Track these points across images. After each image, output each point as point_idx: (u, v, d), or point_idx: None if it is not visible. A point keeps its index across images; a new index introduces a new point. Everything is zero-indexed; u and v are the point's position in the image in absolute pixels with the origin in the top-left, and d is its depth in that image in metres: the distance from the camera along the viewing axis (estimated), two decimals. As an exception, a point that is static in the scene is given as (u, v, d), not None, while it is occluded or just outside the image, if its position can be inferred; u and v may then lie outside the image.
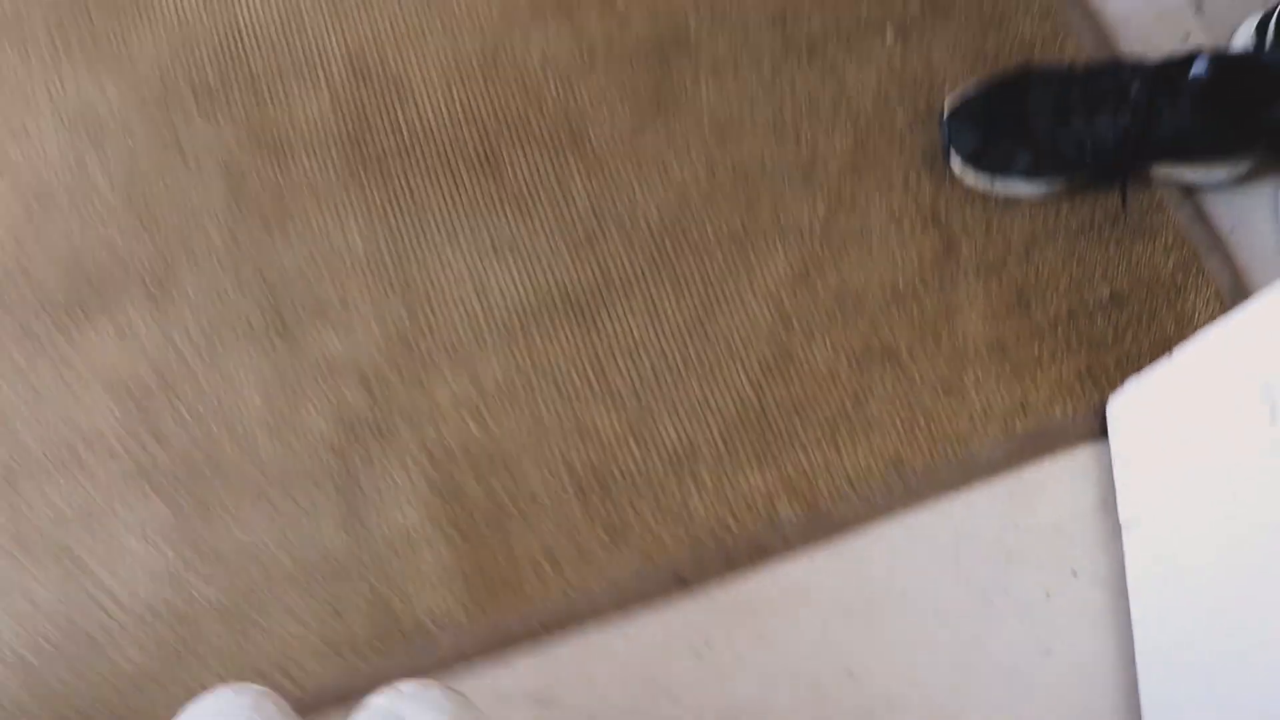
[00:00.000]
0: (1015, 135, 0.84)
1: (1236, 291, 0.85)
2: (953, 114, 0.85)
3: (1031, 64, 0.87)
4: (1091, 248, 0.86)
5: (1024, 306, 0.84)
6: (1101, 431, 0.80)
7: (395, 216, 0.83)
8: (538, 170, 0.85)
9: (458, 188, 0.84)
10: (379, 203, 0.83)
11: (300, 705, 0.62)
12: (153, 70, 0.87)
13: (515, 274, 0.82)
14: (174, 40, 0.88)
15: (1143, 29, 0.96)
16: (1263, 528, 0.59)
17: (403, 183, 0.84)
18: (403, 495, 0.75)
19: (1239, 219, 0.88)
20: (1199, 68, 0.80)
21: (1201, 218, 0.88)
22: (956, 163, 0.86)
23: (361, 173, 0.83)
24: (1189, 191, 0.88)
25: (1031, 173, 0.85)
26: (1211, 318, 0.84)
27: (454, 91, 0.87)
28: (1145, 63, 0.84)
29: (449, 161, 0.85)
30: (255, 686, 0.48)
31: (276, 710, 0.48)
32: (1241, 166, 0.86)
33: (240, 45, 0.88)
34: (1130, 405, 0.78)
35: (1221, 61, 0.81)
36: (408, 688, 0.47)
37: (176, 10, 0.89)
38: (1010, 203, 0.86)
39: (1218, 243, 0.87)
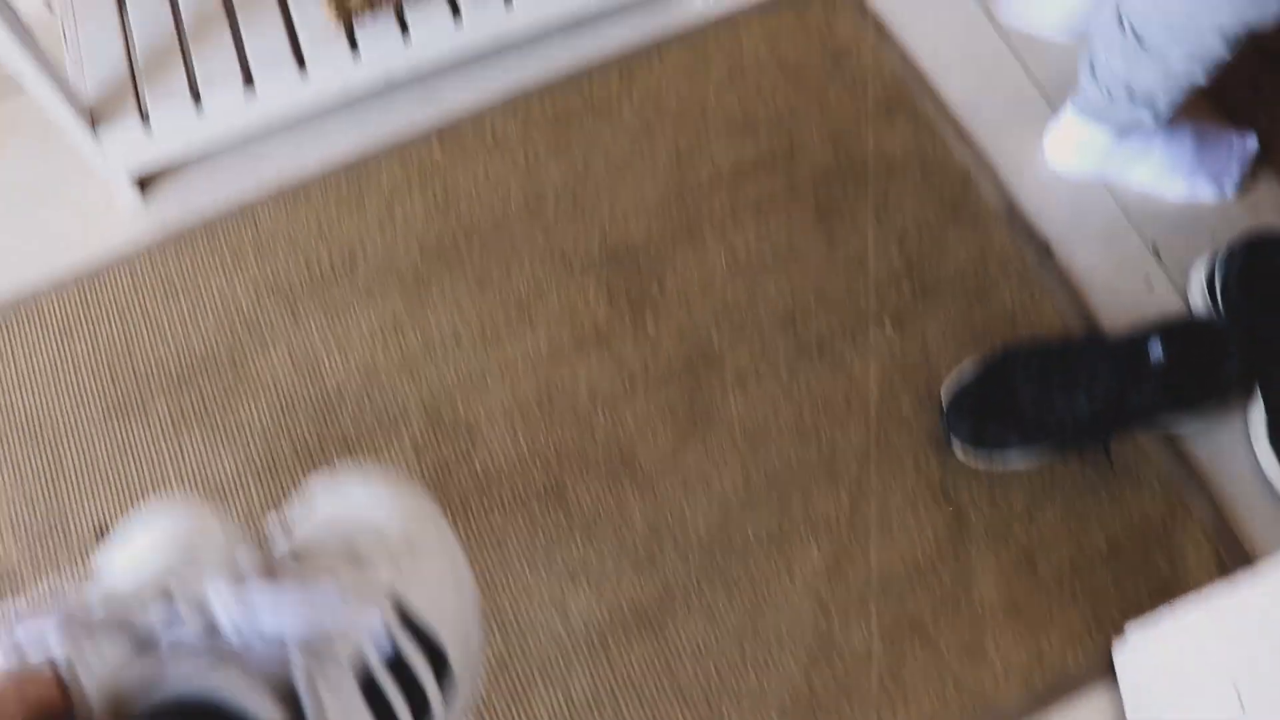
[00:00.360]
0: (1005, 419, 1.02)
1: (1221, 526, 1.02)
2: (949, 406, 1.03)
3: (1012, 346, 1.05)
4: (1086, 502, 1.04)
5: (1031, 566, 1.02)
6: (1110, 671, 0.97)
7: (481, 550, 1.01)
8: (598, 497, 1.03)
9: (532, 520, 1.03)
10: (465, 538, 1.01)
11: None
12: (258, 434, 1.06)
13: (590, 595, 0.99)
14: (274, 406, 1.09)
15: (1107, 277, 1.14)
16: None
17: (484, 520, 1.03)
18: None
19: (1216, 452, 1.05)
20: (1155, 352, 0.97)
21: (1182, 458, 1.04)
22: (958, 447, 1.04)
23: (448, 512, 1.01)
24: (1169, 436, 1.05)
25: (1024, 446, 1.02)
26: (1200, 554, 1.00)
27: (518, 431, 1.06)
28: (1109, 342, 1.01)
29: (521, 496, 1.04)
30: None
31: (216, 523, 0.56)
32: (1209, 413, 1.03)
33: (331, 405, 1.08)
34: (1133, 649, 0.94)
35: (1175, 339, 0.97)
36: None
37: (274, 379, 1.09)
38: (1010, 472, 1.04)
39: (1200, 480, 1.04)
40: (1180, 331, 0.99)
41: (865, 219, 1.12)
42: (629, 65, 1.19)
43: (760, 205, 1.13)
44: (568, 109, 1.18)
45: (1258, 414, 1.01)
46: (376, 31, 1.10)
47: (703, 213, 1.12)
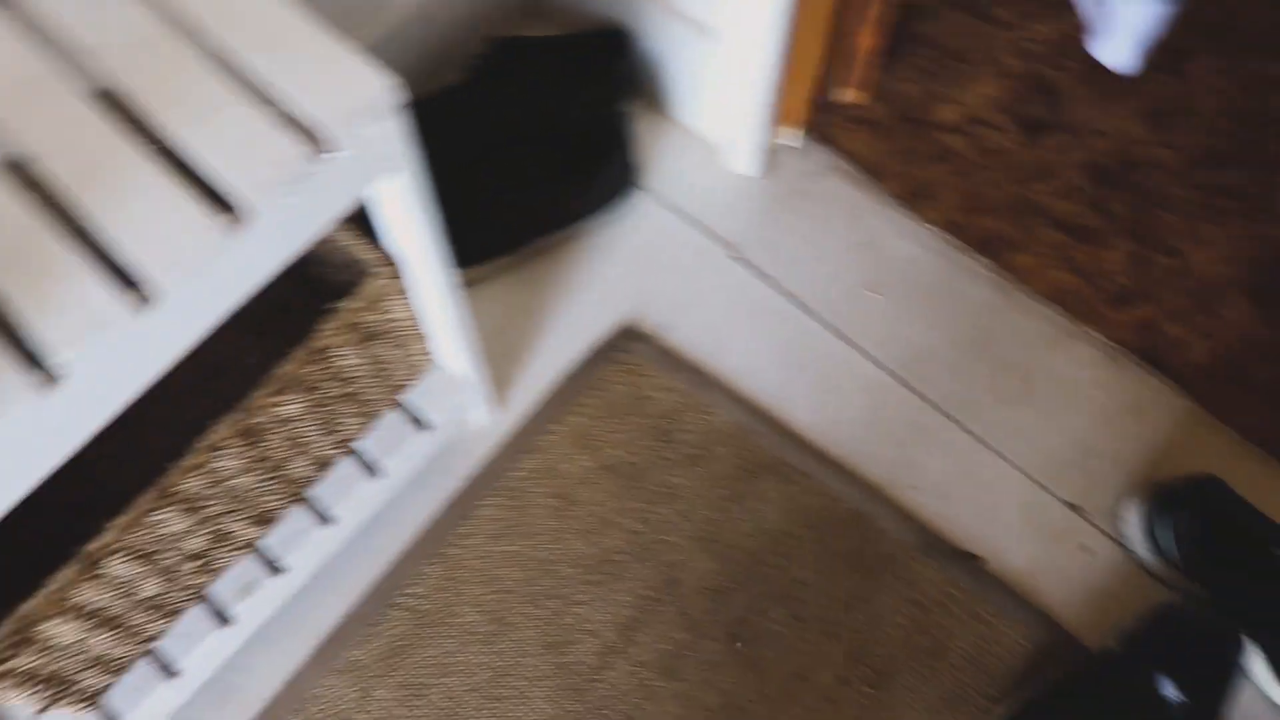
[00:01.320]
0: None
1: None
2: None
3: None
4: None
5: None
6: None
7: None
8: None
9: None
10: None
11: None
12: None
13: None
14: None
15: (1046, 562, 1.13)
16: None
17: None
18: None
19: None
20: (1170, 693, 0.95)
21: None
22: None
23: None
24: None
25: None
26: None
27: None
28: (1111, 690, 0.98)
29: None
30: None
31: None
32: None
33: None
34: None
35: (1178, 662, 0.97)
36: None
37: None
38: None
39: None
40: (1178, 645, 0.98)
41: (782, 621, 1.06)
42: (436, 550, 1.07)
43: (666, 662, 1.03)
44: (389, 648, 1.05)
45: (1258, 665, 1.01)
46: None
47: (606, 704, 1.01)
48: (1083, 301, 1.22)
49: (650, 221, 1.26)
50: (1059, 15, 1.42)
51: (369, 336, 0.89)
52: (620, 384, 1.17)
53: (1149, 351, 1.20)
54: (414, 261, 0.84)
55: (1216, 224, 1.29)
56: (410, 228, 0.79)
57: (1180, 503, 1.04)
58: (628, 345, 1.18)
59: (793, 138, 1.29)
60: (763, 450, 1.14)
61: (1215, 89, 1.39)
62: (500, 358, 1.17)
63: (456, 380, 1.03)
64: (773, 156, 1.30)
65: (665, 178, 1.28)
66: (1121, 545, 1.11)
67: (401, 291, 0.88)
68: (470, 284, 1.19)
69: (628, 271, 1.23)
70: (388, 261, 0.85)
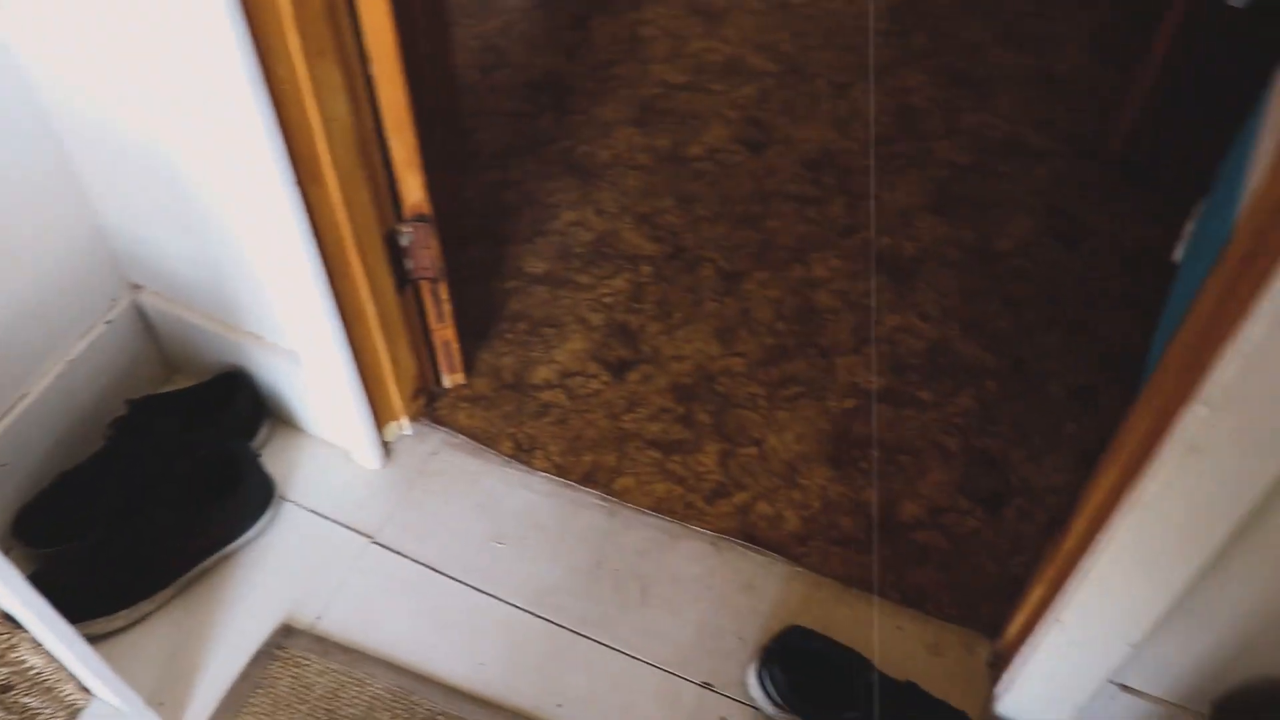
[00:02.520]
0: None
1: None
2: None
3: None
4: None
5: None
6: None
7: None
8: None
9: None
10: None
11: None
12: None
13: None
14: None
15: None
16: None
17: None
18: None
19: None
20: None
21: None
22: None
23: None
24: None
25: None
26: None
27: None
28: None
29: None
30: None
31: None
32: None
33: None
34: None
35: None
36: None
37: None
38: None
39: None
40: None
41: None
42: None
43: None
44: None
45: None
46: None
47: None
48: (683, 504, 1.58)
49: (295, 526, 1.56)
50: (629, 269, 1.87)
51: (3, 689, 1.14)
52: (283, 678, 1.44)
53: (748, 532, 1.56)
54: (31, 618, 1.11)
55: (788, 410, 1.69)
56: (17, 598, 1.07)
57: (773, 657, 1.37)
58: (286, 641, 1.46)
59: (406, 427, 1.65)
60: (422, 707, 1.42)
61: (767, 299, 1.84)
62: (174, 680, 1.40)
63: (124, 711, 1.28)
64: (395, 446, 1.65)
65: (303, 484, 1.60)
66: (753, 707, 1.41)
67: (33, 643, 1.15)
68: (139, 621, 1.46)
69: (280, 575, 1.51)
70: (7, 619, 1.12)
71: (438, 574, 1.47)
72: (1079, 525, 1.12)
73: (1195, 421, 0.84)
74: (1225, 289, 0.85)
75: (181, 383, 1.64)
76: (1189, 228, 1.60)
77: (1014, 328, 1.74)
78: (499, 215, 1.93)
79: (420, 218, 1.39)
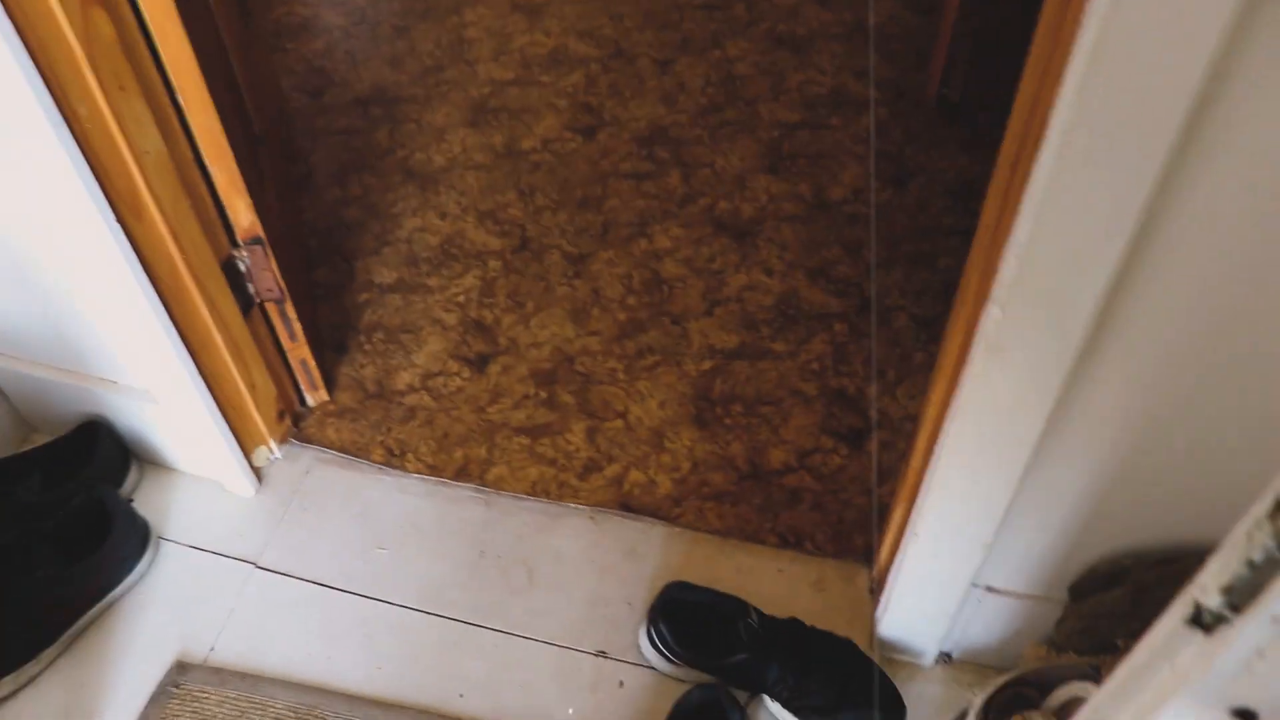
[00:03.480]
0: None
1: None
2: None
3: None
4: None
5: None
6: None
7: None
8: None
9: None
10: None
11: None
12: None
13: None
14: None
15: (597, 712, 1.43)
16: None
17: None
18: None
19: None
20: None
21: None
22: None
23: None
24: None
25: None
26: None
27: None
28: None
29: None
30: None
31: None
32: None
33: None
34: None
35: None
36: None
37: None
38: None
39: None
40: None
41: None
42: None
43: None
44: None
45: (765, 710, 1.34)
46: None
47: None
48: (557, 485, 1.61)
49: (176, 564, 1.55)
50: (477, 266, 1.89)
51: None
52: (183, 715, 1.42)
53: (624, 502, 1.59)
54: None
55: (648, 380, 1.73)
56: None
57: (657, 614, 1.41)
58: (181, 678, 1.45)
59: (275, 450, 1.65)
60: (327, 719, 1.43)
61: (616, 276, 1.88)
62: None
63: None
64: (267, 470, 1.65)
65: (180, 521, 1.58)
66: (649, 667, 1.45)
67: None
68: (27, 684, 1.44)
69: (167, 614, 1.48)
70: None
71: (325, 588, 1.48)
72: (921, 442, 1.17)
73: (991, 323, 0.90)
74: (1001, 194, 0.90)
75: (40, 440, 1.61)
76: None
77: (856, 270, 1.81)
78: (343, 231, 1.94)
79: (255, 240, 1.40)
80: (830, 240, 1.84)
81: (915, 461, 1.20)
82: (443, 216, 1.93)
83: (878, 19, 2.32)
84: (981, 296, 0.92)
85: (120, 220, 1.19)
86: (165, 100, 1.21)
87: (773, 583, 1.44)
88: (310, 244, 1.90)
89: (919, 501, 1.12)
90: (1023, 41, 1.66)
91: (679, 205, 1.92)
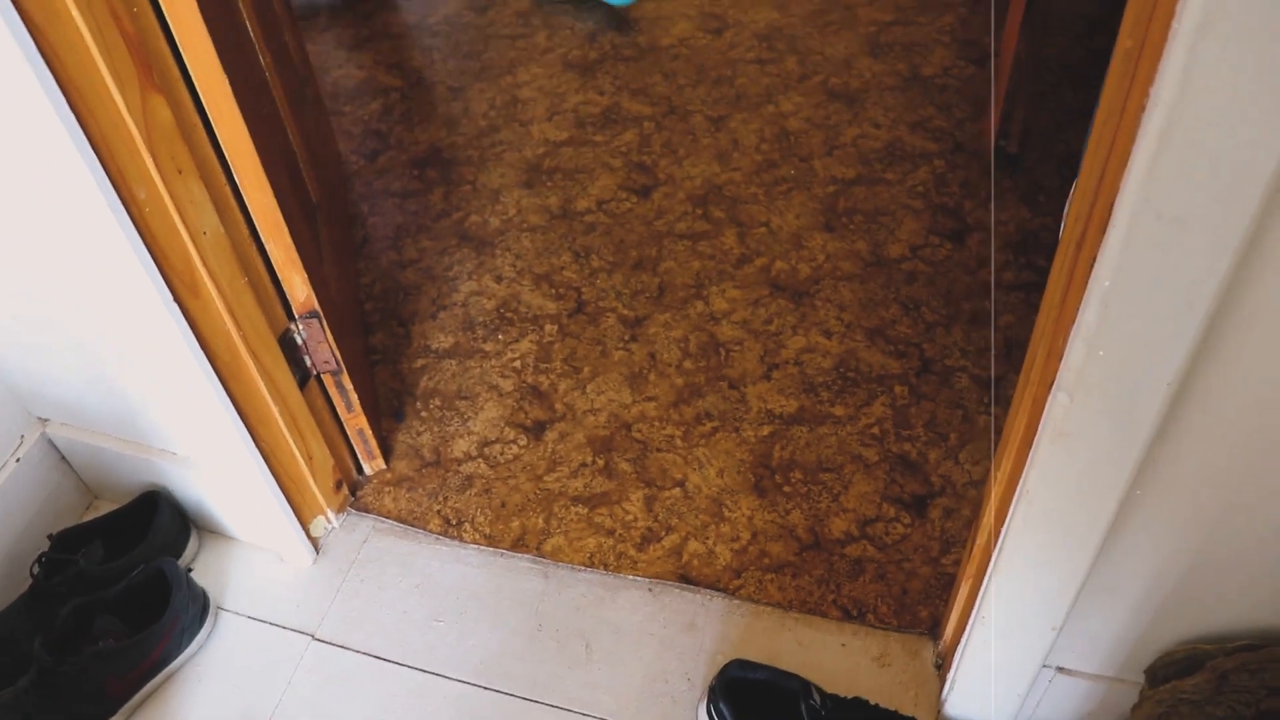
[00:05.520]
0: None
1: None
2: None
3: None
4: None
5: None
6: None
7: None
8: None
9: None
10: None
11: None
12: None
13: None
14: None
15: None
16: None
17: None
18: None
19: None
20: None
21: None
22: None
23: None
24: None
25: None
26: None
27: None
28: None
29: None
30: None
31: None
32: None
33: None
34: None
35: None
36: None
37: None
38: None
39: None
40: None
41: None
42: None
43: None
44: None
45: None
46: None
47: None
48: (615, 555, 1.59)
49: (235, 635, 1.55)
50: (534, 330, 1.89)
51: None
52: None
53: (683, 573, 1.57)
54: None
55: (706, 446, 1.71)
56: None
57: (717, 694, 1.39)
58: None
59: (333, 520, 1.65)
60: None
61: (672, 340, 1.86)
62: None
63: None
64: (325, 540, 1.65)
65: (238, 592, 1.59)
66: None
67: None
68: None
69: (226, 686, 1.47)
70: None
71: (382, 661, 1.47)
72: (986, 520, 1.14)
73: (1058, 409, 0.87)
74: (1065, 274, 0.88)
75: (104, 507, 1.64)
76: (1069, 208, 1.64)
77: (915, 330, 1.78)
78: (400, 296, 1.95)
79: (311, 314, 1.40)
80: (888, 299, 1.82)
81: (980, 539, 1.17)
82: (498, 280, 1.93)
83: (931, 70, 2.30)
84: (1048, 377, 0.89)
85: (177, 299, 1.20)
86: (222, 180, 1.22)
87: (835, 658, 1.40)
88: (367, 308, 1.90)
89: (985, 584, 1.09)
90: (1084, 89, 1.63)
91: (735, 266, 1.90)
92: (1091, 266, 0.79)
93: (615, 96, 2.34)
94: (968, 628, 1.20)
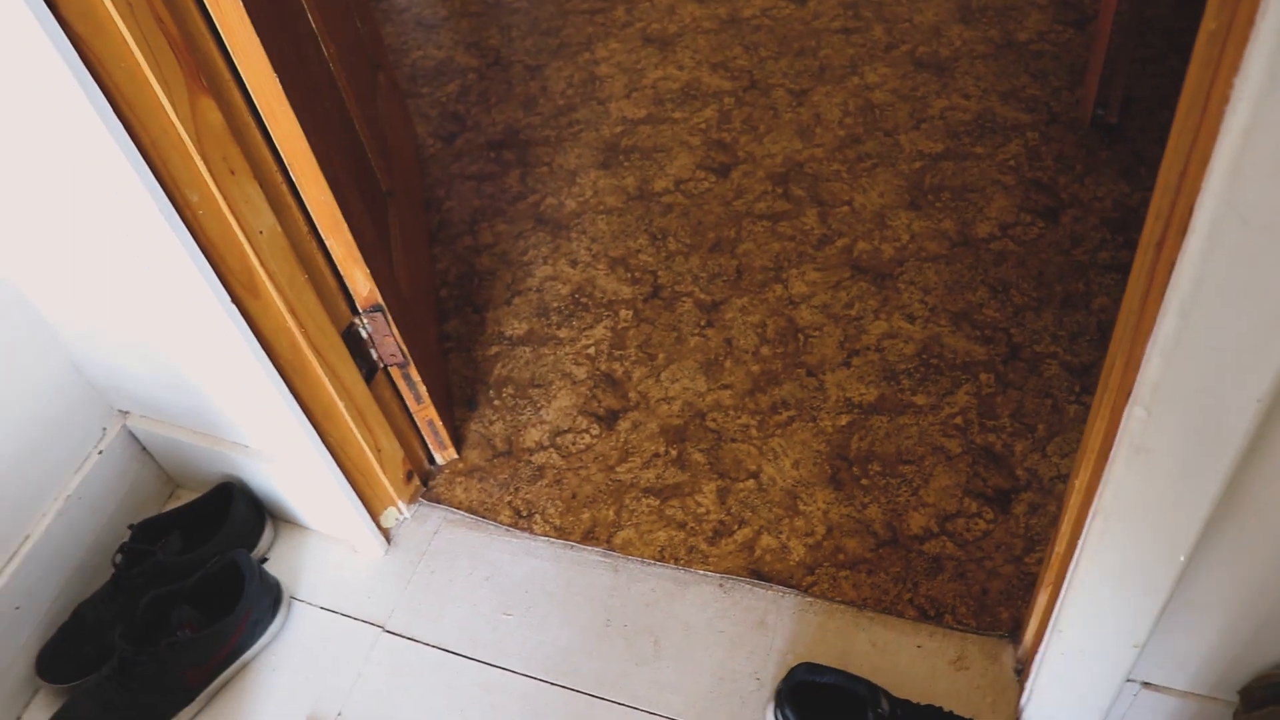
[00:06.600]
0: None
1: None
2: None
3: None
4: None
5: None
6: None
7: None
8: None
9: None
10: None
11: None
12: None
13: None
14: None
15: None
16: None
17: None
18: None
19: None
20: None
21: None
22: None
23: None
24: None
25: None
26: None
27: None
28: None
29: None
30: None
31: None
32: None
33: None
34: None
35: None
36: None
37: None
38: None
39: None
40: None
41: None
42: None
43: None
44: None
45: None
46: None
47: None
48: (686, 549, 1.55)
49: (307, 625, 1.55)
50: (608, 316, 1.85)
51: None
52: None
53: (755, 569, 1.52)
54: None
55: (782, 436, 1.66)
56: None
57: (785, 698, 1.34)
58: None
59: (404, 511, 1.63)
60: None
61: (750, 325, 1.81)
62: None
63: None
64: (396, 530, 1.64)
65: (311, 582, 1.59)
66: None
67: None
68: None
69: (298, 676, 1.48)
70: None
71: (451, 654, 1.45)
72: (1065, 527, 1.07)
73: (1135, 422, 0.80)
74: (1144, 278, 0.80)
75: (185, 496, 1.66)
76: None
77: (1003, 314, 1.69)
78: (475, 281, 1.92)
79: (375, 308, 1.37)
80: (975, 281, 1.73)
81: (1059, 547, 1.10)
82: (574, 264, 1.89)
83: (1026, 35, 2.19)
84: (1125, 386, 0.82)
85: (236, 299, 1.19)
86: (278, 178, 1.20)
87: (911, 660, 1.34)
88: (442, 295, 1.88)
89: (1062, 596, 1.02)
90: (1188, 52, 1.52)
91: (815, 247, 1.83)
92: (1171, 271, 0.71)
93: (695, 71, 2.28)
94: (1045, 637, 1.13)
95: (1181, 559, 0.89)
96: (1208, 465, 0.80)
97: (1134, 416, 0.80)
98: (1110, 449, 0.88)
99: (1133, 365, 0.81)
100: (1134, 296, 0.85)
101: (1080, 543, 0.97)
